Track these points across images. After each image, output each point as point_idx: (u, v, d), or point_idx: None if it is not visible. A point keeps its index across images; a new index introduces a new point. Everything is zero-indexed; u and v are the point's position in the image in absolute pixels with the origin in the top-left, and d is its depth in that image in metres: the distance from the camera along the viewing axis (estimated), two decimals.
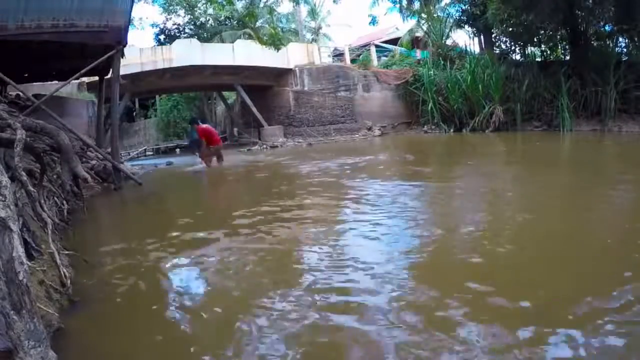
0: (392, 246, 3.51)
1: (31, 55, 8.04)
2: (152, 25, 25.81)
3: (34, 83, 11.32)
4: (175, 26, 22.79)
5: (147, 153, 19.90)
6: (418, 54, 17.90)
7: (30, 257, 2.63)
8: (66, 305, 2.66)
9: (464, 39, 24.95)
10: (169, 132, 22.94)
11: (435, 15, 17.72)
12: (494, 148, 11.35)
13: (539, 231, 3.72)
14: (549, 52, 15.55)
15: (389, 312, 2.35)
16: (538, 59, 15.21)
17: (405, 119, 17.33)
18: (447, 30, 17.60)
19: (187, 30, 22.58)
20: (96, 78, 10.75)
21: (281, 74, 17.43)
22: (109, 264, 3.58)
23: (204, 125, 11.26)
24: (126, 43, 7.91)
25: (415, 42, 19.33)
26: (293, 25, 26.27)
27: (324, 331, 2.26)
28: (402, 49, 19.40)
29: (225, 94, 22.15)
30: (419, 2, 17.43)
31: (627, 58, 13.16)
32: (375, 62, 18.24)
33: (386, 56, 19.35)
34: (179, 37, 20.70)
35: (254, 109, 17.40)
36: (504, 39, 15.98)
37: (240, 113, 20.59)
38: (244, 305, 2.66)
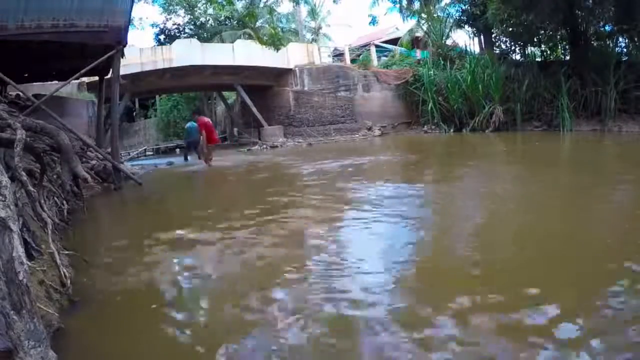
0: (391, 249, 3.46)
1: (31, 55, 8.03)
2: (152, 25, 25.82)
3: (34, 83, 11.32)
4: (175, 26, 22.79)
5: (147, 153, 19.90)
6: (418, 54, 17.91)
7: (30, 257, 2.63)
8: (66, 305, 2.66)
9: (464, 39, 24.97)
10: (169, 132, 22.94)
11: (435, 15, 17.72)
12: (494, 148, 11.35)
13: (539, 232, 3.71)
14: (549, 52, 15.56)
15: (388, 324, 2.26)
16: (538, 59, 15.21)
17: (405, 119, 17.34)
18: (447, 30, 17.60)
19: (187, 30, 22.58)
20: (96, 78, 10.75)
21: (281, 74, 17.43)
22: (109, 264, 3.58)
23: (206, 119, 11.26)
24: (126, 43, 7.91)
25: (415, 42, 19.33)
26: (293, 25, 26.27)
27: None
28: (402, 49, 19.40)
29: (225, 94, 22.15)
30: (419, 2, 17.43)
31: (627, 58, 13.16)
32: (375, 62, 18.24)
33: (386, 56, 19.35)
34: (179, 37, 20.70)
35: (254, 109, 17.40)
36: (504, 39, 15.98)
37: (240, 113, 20.59)
38: (243, 305, 2.66)
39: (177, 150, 19.62)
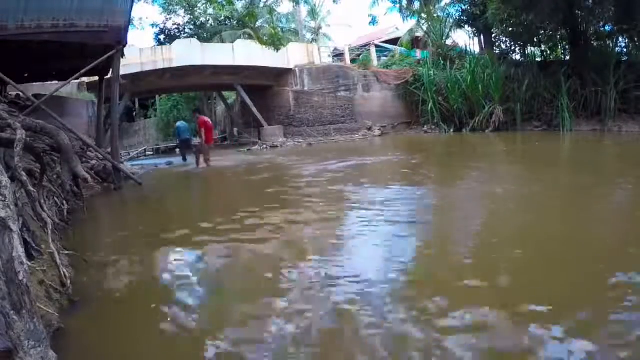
0: (391, 254, 3.37)
1: (31, 55, 8.03)
2: (152, 25, 25.85)
3: (34, 83, 11.32)
4: (175, 26, 22.80)
5: (147, 153, 19.89)
6: (418, 54, 17.91)
7: (30, 257, 2.63)
8: (66, 305, 2.66)
9: (464, 39, 24.99)
10: (169, 132, 22.91)
11: (435, 15, 17.72)
12: (494, 148, 11.35)
13: (540, 233, 3.71)
14: (549, 52, 15.56)
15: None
16: (538, 59, 15.21)
17: (405, 119, 17.34)
18: (447, 30, 17.60)
19: (187, 30, 22.58)
20: (96, 78, 10.75)
21: (281, 74, 17.43)
22: (108, 264, 3.58)
23: (206, 118, 11.25)
24: (126, 43, 7.91)
25: (415, 42, 19.33)
26: (293, 25, 26.26)
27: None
28: (402, 49, 19.40)
29: (225, 94, 22.15)
30: (419, 2, 17.43)
31: (627, 58, 13.17)
32: (375, 62, 18.24)
33: (386, 56, 19.36)
34: (179, 37, 20.70)
35: (254, 109, 17.40)
36: (504, 39, 15.98)
37: (240, 113, 20.59)
38: (243, 306, 2.66)
39: (177, 150, 19.63)
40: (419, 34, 19.15)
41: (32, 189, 3.24)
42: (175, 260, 3.63)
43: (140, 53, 14.61)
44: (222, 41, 19.12)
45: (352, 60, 18.76)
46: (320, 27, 28.73)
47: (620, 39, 13.48)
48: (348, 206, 5.23)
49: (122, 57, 8.11)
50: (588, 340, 1.96)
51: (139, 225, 5.39)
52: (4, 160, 3.79)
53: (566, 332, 2.04)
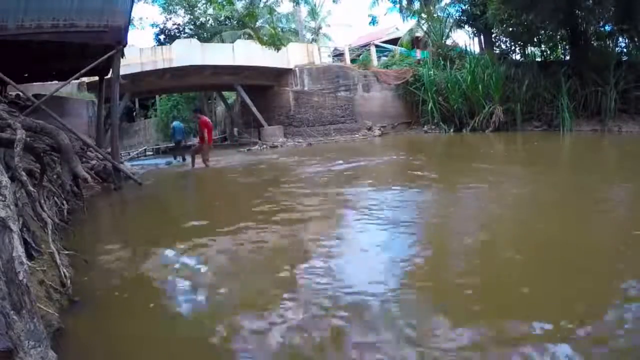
0: (390, 260, 3.24)
1: (31, 55, 8.03)
2: (152, 25, 25.81)
3: (34, 83, 11.32)
4: (175, 26, 22.78)
5: (147, 153, 19.89)
6: (418, 54, 17.91)
7: (30, 257, 2.63)
8: (66, 305, 2.66)
9: (464, 39, 25.04)
10: (168, 132, 22.86)
11: (435, 15, 17.73)
12: (494, 148, 11.35)
13: (541, 235, 3.71)
14: (549, 52, 15.57)
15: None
16: (538, 59, 15.22)
17: (405, 119, 17.34)
18: (447, 30, 17.61)
19: (187, 30, 22.56)
20: (96, 78, 10.74)
21: (281, 74, 17.43)
22: (108, 264, 3.58)
23: (207, 118, 11.24)
24: (126, 43, 7.90)
25: (415, 42, 19.33)
26: (293, 25, 26.24)
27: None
28: (402, 49, 19.40)
29: (225, 94, 22.15)
30: (419, 2, 17.45)
31: (627, 58, 13.18)
32: (375, 62, 18.24)
33: (386, 56, 19.35)
34: (179, 37, 20.69)
35: (254, 109, 17.40)
36: (504, 39, 16.00)
37: (240, 113, 20.59)
38: (242, 305, 2.66)
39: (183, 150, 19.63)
40: (419, 34, 19.16)
41: (32, 189, 3.23)
42: (175, 260, 3.63)
43: (140, 53, 14.60)
44: (222, 41, 19.12)
45: (352, 60, 18.76)
46: (320, 27, 28.72)
47: (620, 39, 13.50)
48: (348, 209, 5.20)
49: (122, 57, 8.10)
50: None
51: (138, 225, 5.39)
52: (4, 160, 3.79)
53: None
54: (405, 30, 20.65)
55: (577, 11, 12.68)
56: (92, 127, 11.72)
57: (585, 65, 12.66)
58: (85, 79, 13.08)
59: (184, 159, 12.90)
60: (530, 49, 15.52)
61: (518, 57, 15.75)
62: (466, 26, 16.85)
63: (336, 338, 2.19)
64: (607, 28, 13.36)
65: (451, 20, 17.29)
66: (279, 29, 21.13)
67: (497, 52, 15.92)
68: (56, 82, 10.20)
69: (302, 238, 4.04)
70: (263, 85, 17.90)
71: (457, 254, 3.38)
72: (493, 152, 10.63)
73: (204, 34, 21.46)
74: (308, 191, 6.54)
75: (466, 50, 16.84)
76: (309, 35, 27.33)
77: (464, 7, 16.31)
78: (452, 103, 15.20)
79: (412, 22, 19.08)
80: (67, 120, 8.35)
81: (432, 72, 15.96)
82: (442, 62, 16.13)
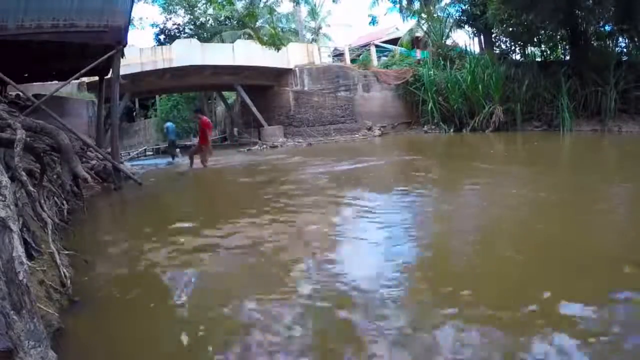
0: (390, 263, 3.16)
1: (31, 55, 8.03)
2: (152, 25, 25.83)
3: (34, 83, 11.31)
4: (175, 26, 22.79)
5: (147, 153, 19.89)
6: (418, 54, 17.90)
7: (30, 257, 2.63)
8: (66, 305, 2.65)
9: (464, 39, 25.03)
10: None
11: (435, 15, 17.72)
12: (494, 148, 11.35)
13: (542, 235, 3.71)
14: (549, 52, 15.56)
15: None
16: (538, 59, 15.22)
17: (405, 119, 17.33)
18: (447, 30, 17.60)
19: (187, 30, 22.57)
20: (96, 78, 10.74)
21: (281, 74, 17.43)
22: (108, 264, 3.58)
23: (207, 119, 11.24)
24: (126, 43, 7.90)
25: (415, 42, 19.33)
26: (293, 25, 26.24)
27: None
28: (402, 49, 19.40)
29: (225, 94, 22.14)
30: (419, 2, 17.44)
31: (627, 58, 13.17)
32: (375, 62, 18.24)
33: (386, 56, 19.35)
34: (179, 37, 20.69)
35: (254, 109, 17.40)
36: (504, 39, 15.99)
37: (240, 113, 20.59)
38: (241, 307, 2.66)
39: (177, 150, 19.65)
40: (419, 34, 19.15)
41: (32, 189, 3.23)
42: (175, 260, 3.63)
43: (140, 53, 14.60)
44: (222, 41, 19.12)
45: (352, 60, 18.76)
46: (320, 27, 28.72)
47: (620, 39, 13.50)
48: (348, 215, 5.16)
49: (122, 57, 8.10)
50: None
51: (139, 225, 5.39)
52: (4, 160, 3.79)
53: None
54: (405, 30, 20.65)
55: (577, 11, 12.67)
56: (92, 127, 11.72)
57: (585, 65, 12.66)
58: (85, 79, 13.09)
59: (173, 158, 13.04)
60: (530, 49, 15.52)
61: (518, 57, 15.75)
62: (466, 26, 16.85)
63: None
64: (607, 28, 13.36)
65: (451, 20, 17.29)
66: (279, 29, 21.12)
67: (497, 52, 15.92)
68: (56, 82, 10.19)
69: (303, 239, 4.04)
70: (263, 85, 17.90)
71: (458, 254, 3.38)
72: (493, 152, 10.63)
73: (204, 34, 21.47)
74: (308, 192, 6.53)
75: (466, 50, 16.84)
76: (309, 35, 27.33)
77: (464, 7, 16.31)
78: (452, 103, 15.20)
79: (412, 22, 19.11)
80: (67, 120, 8.35)
81: (432, 72, 15.95)
82: (442, 62, 16.13)
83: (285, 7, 26.51)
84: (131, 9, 8.09)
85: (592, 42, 13.53)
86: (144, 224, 5.40)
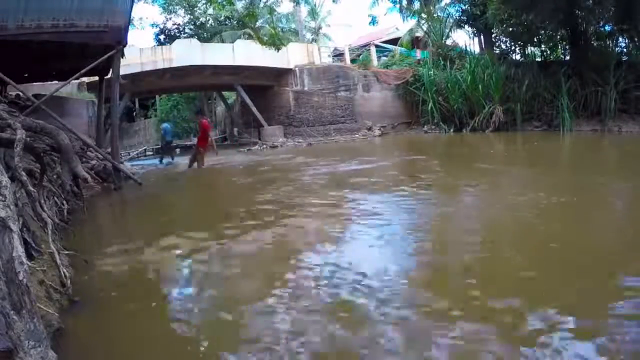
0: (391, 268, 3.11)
1: (31, 55, 8.03)
2: (152, 25, 25.78)
3: (34, 83, 11.31)
4: (175, 26, 22.78)
5: (147, 153, 19.88)
6: (418, 54, 17.90)
7: (30, 257, 2.63)
8: (66, 305, 2.66)
9: (464, 39, 24.98)
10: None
11: (435, 15, 17.72)
12: (494, 148, 11.35)
13: (542, 235, 3.71)
14: (549, 52, 15.56)
15: None
16: (538, 59, 15.21)
17: (405, 119, 17.33)
18: (447, 30, 17.59)
19: (187, 30, 22.56)
20: (96, 78, 10.75)
21: (281, 74, 17.43)
22: (108, 264, 3.58)
23: (207, 121, 11.27)
24: (126, 43, 7.90)
25: (415, 42, 19.32)
26: (293, 25, 26.24)
27: None
28: (402, 49, 19.38)
29: (225, 94, 22.14)
30: (419, 2, 17.43)
31: (627, 58, 13.17)
32: (375, 62, 18.23)
33: (386, 56, 19.34)
34: (179, 37, 20.68)
35: (254, 109, 17.40)
36: (504, 39, 15.98)
37: (240, 113, 20.58)
38: (240, 307, 2.66)
39: (177, 150, 19.66)
40: (419, 34, 19.14)
41: (32, 189, 3.23)
42: (175, 259, 3.63)
43: (140, 53, 14.59)
44: (222, 41, 19.11)
45: (352, 60, 18.75)
46: (320, 27, 28.70)
47: (620, 39, 13.50)
48: (348, 217, 5.15)
49: (122, 57, 8.11)
50: None
51: (138, 225, 5.39)
52: (4, 160, 3.79)
53: None
54: (405, 30, 20.64)
55: (577, 11, 12.67)
56: (92, 127, 11.72)
57: (585, 65, 12.65)
58: (85, 79, 13.08)
59: (162, 160, 13.09)
60: (530, 49, 15.52)
61: (518, 57, 15.74)
62: (466, 26, 16.84)
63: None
64: (607, 28, 13.35)
65: (451, 20, 17.28)
66: (279, 29, 21.12)
67: (497, 52, 15.91)
68: (56, 82, 10.19)
69: (304, 240, 4.04)
70: (263, 85, 17.89)
71: (459, 254, 3.38)
72: (493, 153, 10.63)
73: (204, 34, 21.46)
74: (308, 192, 6.53)
75: (466, 50, 16.83)
76: (309, 35, 27.32)
77: (464, 7, 16.30)
78: (452, 103, 15.19)
79: (412, 22, 19.09)
80: (67, 120, 8.35)
81: (432, 72, 15.95)
82: (442, 62, 16.12)
83: (285, 7, 26.52)
84: (131, 9, 8.10)
85: (592, 42, 13.52)
86: (144, 224, 5.41)
